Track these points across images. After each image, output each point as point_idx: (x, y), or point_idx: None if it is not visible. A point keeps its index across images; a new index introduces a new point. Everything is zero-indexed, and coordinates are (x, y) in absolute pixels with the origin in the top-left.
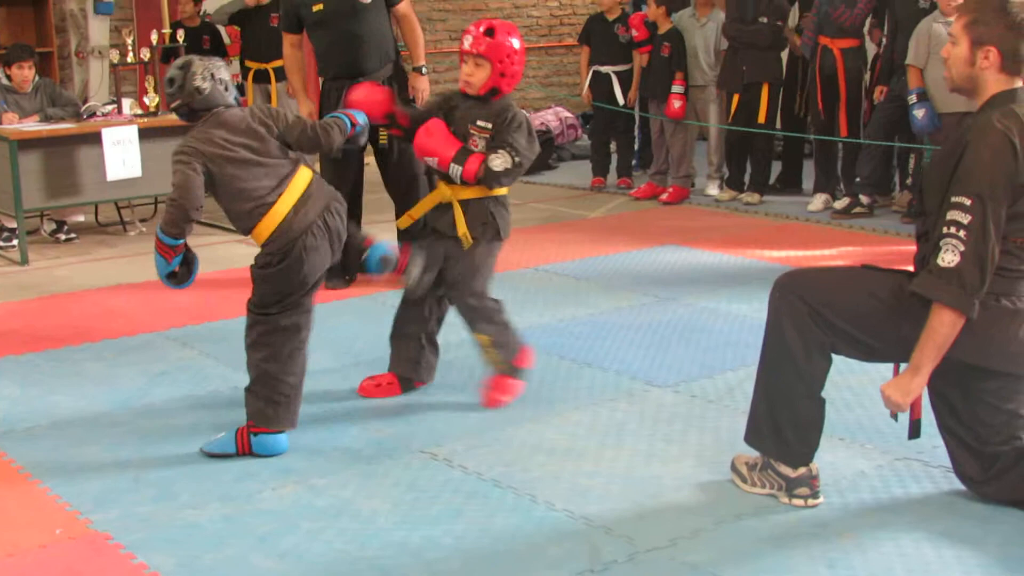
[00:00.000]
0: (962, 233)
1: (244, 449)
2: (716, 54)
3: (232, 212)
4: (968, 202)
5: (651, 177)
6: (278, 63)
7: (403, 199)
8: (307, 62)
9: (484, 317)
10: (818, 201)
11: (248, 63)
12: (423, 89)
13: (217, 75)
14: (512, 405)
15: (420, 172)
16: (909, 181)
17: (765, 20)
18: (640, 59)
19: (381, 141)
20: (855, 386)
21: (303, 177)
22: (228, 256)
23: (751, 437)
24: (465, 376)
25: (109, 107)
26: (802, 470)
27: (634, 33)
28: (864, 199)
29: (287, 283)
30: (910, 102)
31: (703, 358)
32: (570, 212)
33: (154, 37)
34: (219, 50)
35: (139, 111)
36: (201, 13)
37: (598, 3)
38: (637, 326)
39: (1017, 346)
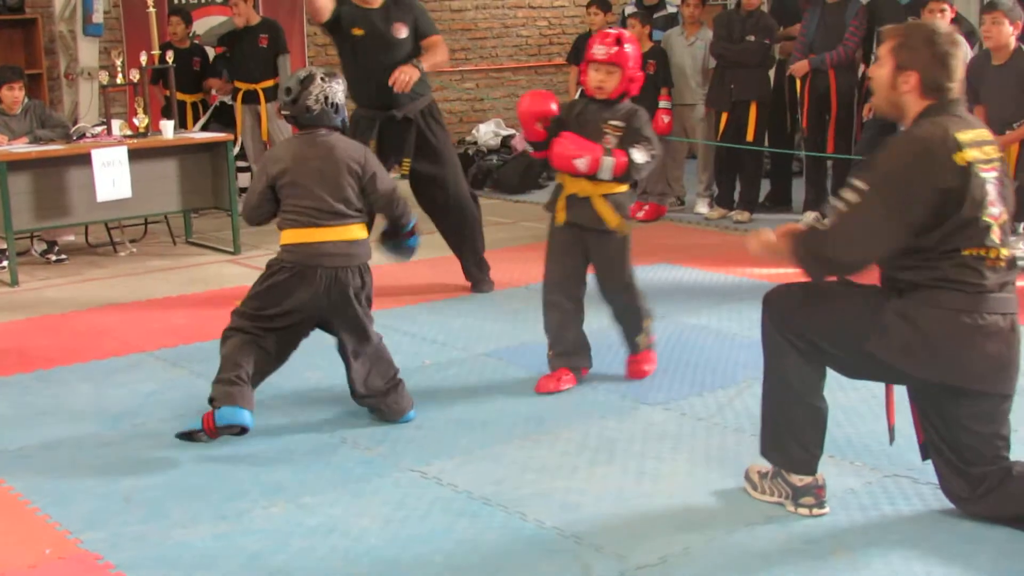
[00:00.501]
0: (843, 207)
1: (209, 424)
2: (704, 72)
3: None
4: (862, 186)
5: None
6: (267, 84)
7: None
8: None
9: (642, 297)
10: (808, 218)
11: (237, 84)
12: (400, 77)
13: (332, 99)
14: (501, 423)
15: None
16: None
17: (752, 39)
18: None
19: (403, 172)
20: (845, 404)
21: (356, 231)
22: (218, 276)
23: (762, 448)
24: (455, 394)
25: (98, 128)
26: (808, 479)
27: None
28: None
29: (271, 297)
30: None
31: (693, 376)
32: None
33: (143, 59)
34: (210, 71)
35: (128, 132)
36: (191, 35)
37: (587, 23)
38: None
39: (984, 364)
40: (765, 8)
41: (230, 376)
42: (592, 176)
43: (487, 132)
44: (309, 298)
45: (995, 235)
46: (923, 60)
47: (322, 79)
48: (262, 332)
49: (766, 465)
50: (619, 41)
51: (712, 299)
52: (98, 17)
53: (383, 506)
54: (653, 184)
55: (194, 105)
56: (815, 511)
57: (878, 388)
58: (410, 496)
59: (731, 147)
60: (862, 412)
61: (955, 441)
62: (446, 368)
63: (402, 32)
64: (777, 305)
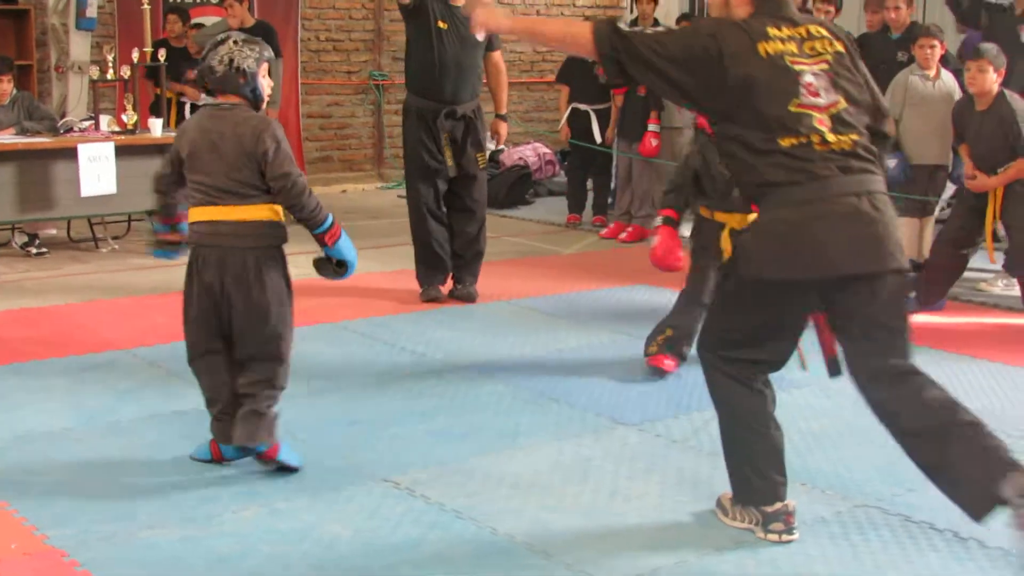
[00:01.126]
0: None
1: (217, 455)
2: None
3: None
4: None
5: (618, 217)
6: None
7: (466, 228)
8: None
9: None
10: None
11: None
12: (502, 132)
13: (238, 63)
14: (477, 437)
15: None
16: None
17: None
18: (617, 100)
19: (481, 165)
20: (816, 431)
21: (261, 211)
22: None
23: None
24: (434, 403)
25: (86, 123)
26: (778, 505)
27: (602, 78)
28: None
29: (189, 286)
30: None
31: (669, 397)
32: (544, 248)
33: (135, 55)
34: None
35: (116, 128)
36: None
37: None
38: (606, 363)
39: (848, 246)
40: None
41: (217, 412)
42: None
43: None
44: (210, 281)
45: (818, 123)
46: None
47: (235, 43)
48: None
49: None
50: None
51: None
52: (92, 11)
53: (356, 514)
54: (638, 207)
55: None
56: (784, 537)
57: (849, 414)
58: (383, 506)
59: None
60: (833, 438)
61: (868, 335)
62: (424, 379)
63: (481, 34)
64: (702, 340)
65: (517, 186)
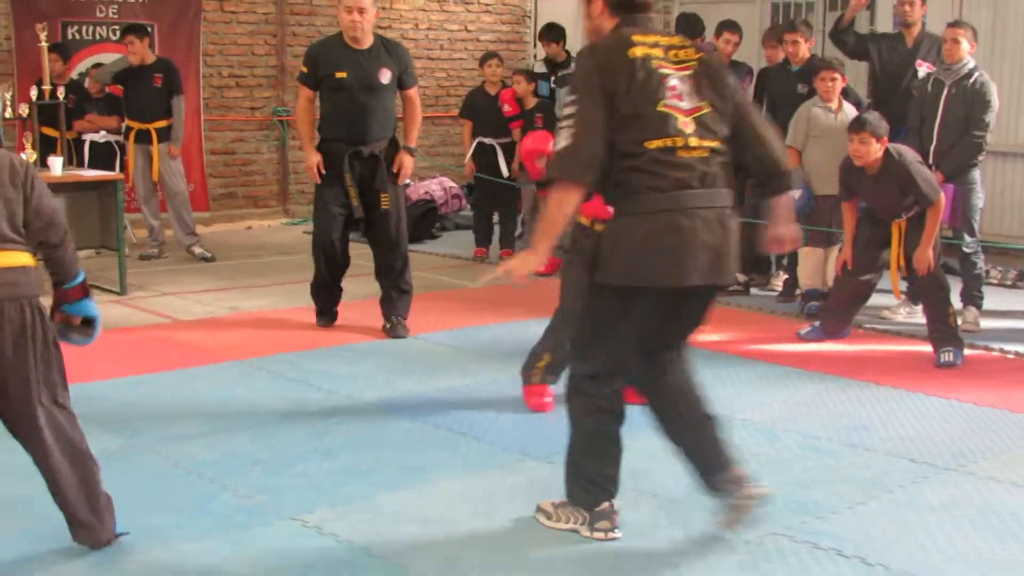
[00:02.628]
0: (566, 123)
1: None
2: None
3: None
4: (570, 99)
5: (524, 249)
6: (160, 124)
7: (388, 259)
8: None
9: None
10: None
11: (130, 123)
12: (407, 165)
13: None
14: (384, 473)
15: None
16: (785, 261)
17: None
18: (515, 133)
19: (384, 206)
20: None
21: (23, 258)
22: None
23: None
24: (340, 440)
25: None
26: (604, 504)
27: (506, 108)
28: (741, 277)
29: None
30: None
31: None
32: (451, 282)
33: (34, 93)
34: (82, 109)
35: None
36: (76, 74)
37: (485, 76)
38: (514, 397)
39: (687, 259)
40: None
41: None
42: None
43: None
44: None
45: (682, 125)
46: None
47: None
48: None
49: (557, 497)
50: None
51: None
52: None
53: (263, 555)
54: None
55: (66, 142)
56: (610, 535)
57: (755, 445)
58: (291, 545)
59: None
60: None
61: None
62: (330, 416)
63: (386, 77)
64: (569, 375)
65: (423, 220)
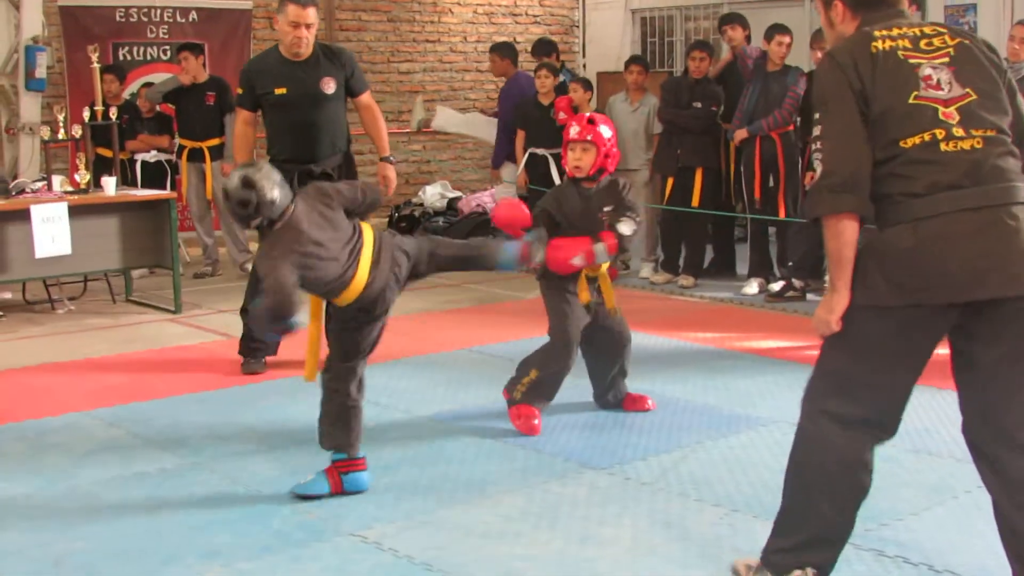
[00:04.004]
0: (818, 144)
1: (337, 487)
2: (648, 138)
3: (315, 291)
4: (817, 118)
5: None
6: (212, 142)
7: None
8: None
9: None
10: (753, 285)
11: (182, 142)
12: (391, 178)
13: (276, 179)
14: (443, 487)
15: None
16: None
17: (699, 105)
18: None
19: None
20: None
21: (368, 238)
22: (158, 335)
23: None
24: (398, 455)
25: (39, 184)
26: (796, 573)
27: (562, 116)
28: (797, 283)
29: (365, 339)
30: None
31: (637, 440)
32: (505, 294)
33: (86, 115)
34: (133, 129)
35: (70, 188)
36: (128, 94)
37: (538, 87)
38: (570, 407)
39: (972, 266)
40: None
41: None
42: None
43: (433, 194)
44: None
45: (945, 116)
46: None
47: (254, 171)
48: None
49: (753, 558)
50: (592, 121)
51: (656, 363)
52: (41, 72)
53: (323, 572)
54: None
55: (120, 162)
56: None
57: None
58: (350, 561)
59: (676, 211)
60: None
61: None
62: (388, 431)
63: (330, 87)
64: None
65: (476, 233)
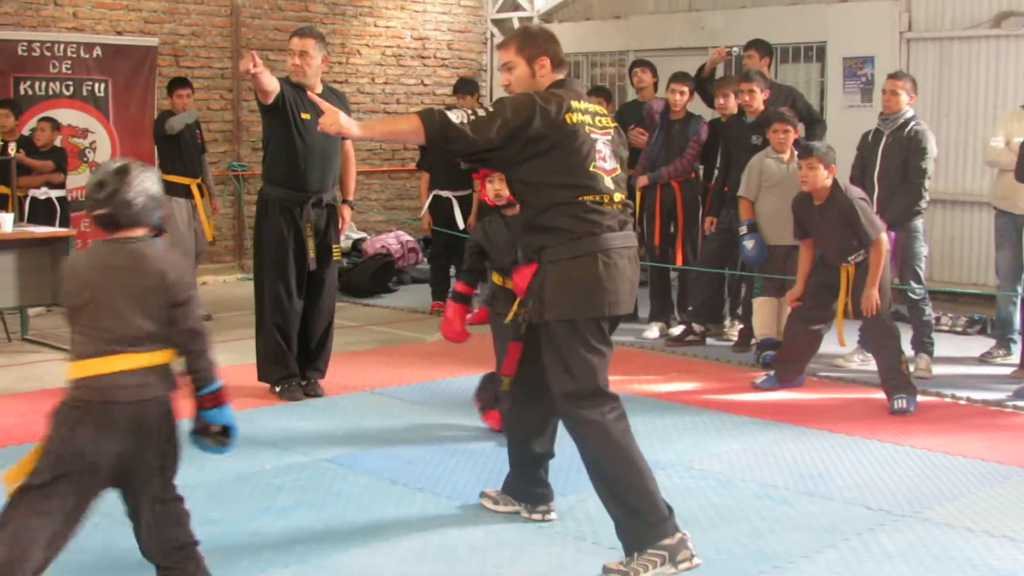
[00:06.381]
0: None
1: None
2: None
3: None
4: (489, 107)
5: (484, 302)
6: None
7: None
8: None
9: None
10: (654, 329)
11: (180, 179)
12: (346, 218)
13: (151, 191)
14: (339, 531)
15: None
16: (739, 311)
17: None
18: (478, 186)
19: (335, 257)
20: (683, 512)
21: (160, 357)
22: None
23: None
24: (294, 498)
25: None
26: (678, 536)
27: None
28: (697, 328)
29: (66, 446)
30: (740, 233)
31: None
32: (408, 335)
33: None
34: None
35: None
36: (28, 129)
37: None
38: (471, 451)
39: (617, 291)
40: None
41: None
42: None
43: None
44: (108, 442)
45: (607, 183)
46: (546, 46)
47: (140, 168)
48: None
49: (618, 557)
50: None
51: None
52: None
53: None
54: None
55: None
56: (695, 561)
57: (714, 494)
58: None
59: None
60: (700, 519)
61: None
62: (285, 473)
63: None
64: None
65: (380, 274)
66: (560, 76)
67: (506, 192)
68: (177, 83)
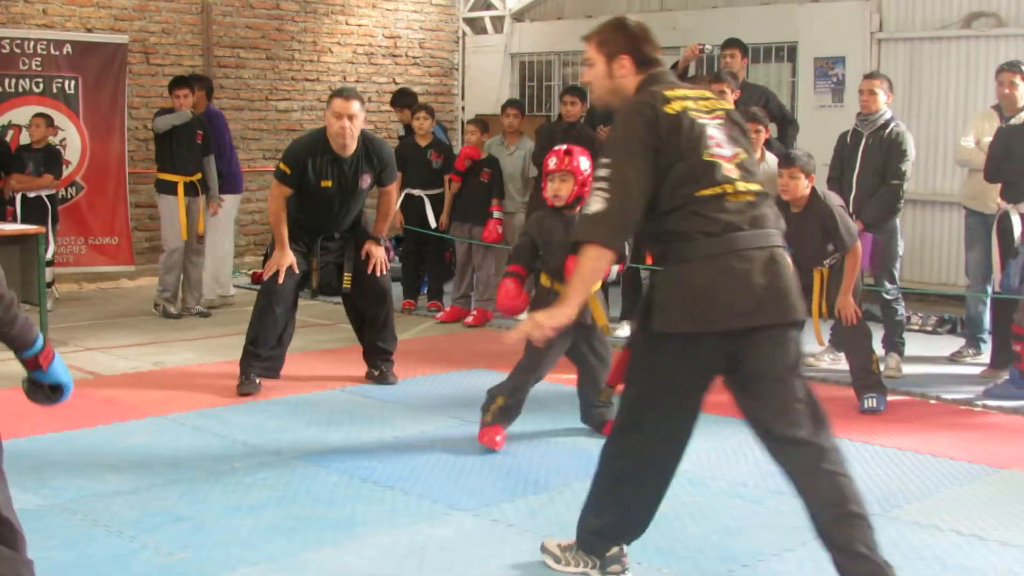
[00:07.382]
0: (602, 185)
1: None
2: (525, 181)
3: None
4: (607, 161)
5: (455, 301)
6: (198, 176)
7: (377, 312)
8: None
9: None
10: (626, 327)
11: (174, 177)
12: (374, 254)
13: None
14: (309, 529)
15: (389, 288)
16: None
17: None
18: (452, 185)
19: (345, 286)
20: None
21: None
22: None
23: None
24: (264, 495)
25: None
26: (614, 549)
27: (468, 163)
28: None
29: None
30: None
31: (505, 482)
32: None
33: None
34: (7, 166)
35: None
36: None
37: (416, 128)
38: (441, 449)
39: (753, 298)
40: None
41: None
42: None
43: None
44: None
45: (728, 172)
46: (628, 43)
47: None
48: None
49: (564, 539)
50: (569, 152)
51: (526, 406)
52: None
53: None
54: (481, 291)
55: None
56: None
57: (683, 492)
58: None
59: None
60: (668, 518)
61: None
62: (256, 471)
63: (366, 183)
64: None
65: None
66: (646, 75)
67: (564, 192)
68: (177, 83)
